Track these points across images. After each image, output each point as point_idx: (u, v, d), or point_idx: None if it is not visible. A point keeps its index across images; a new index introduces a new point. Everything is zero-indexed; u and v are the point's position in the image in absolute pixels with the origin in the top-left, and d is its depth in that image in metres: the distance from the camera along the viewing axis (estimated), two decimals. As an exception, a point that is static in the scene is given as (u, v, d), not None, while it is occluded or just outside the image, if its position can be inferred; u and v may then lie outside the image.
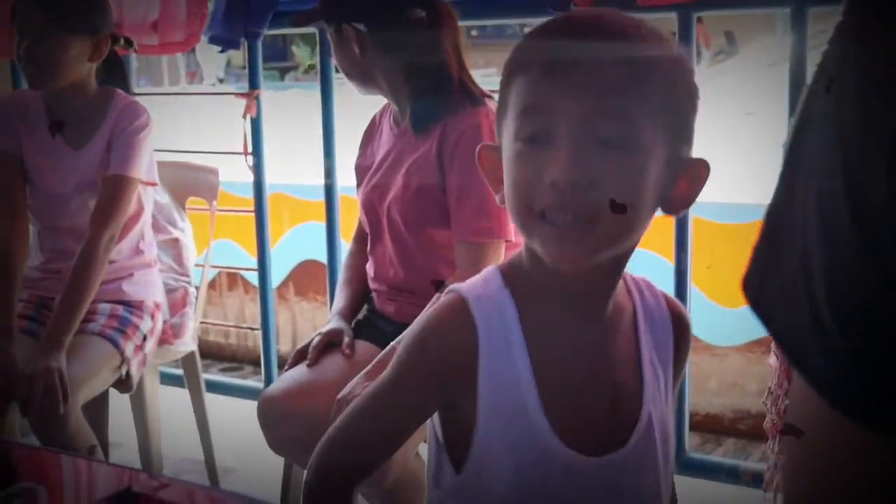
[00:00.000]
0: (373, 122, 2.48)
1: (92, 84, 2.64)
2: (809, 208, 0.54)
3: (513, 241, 2.19)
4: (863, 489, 0.53)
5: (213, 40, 3.07)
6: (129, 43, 2.74)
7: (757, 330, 3.67)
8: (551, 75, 1.04)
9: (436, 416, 1.18)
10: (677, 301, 1.26)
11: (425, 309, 1.84)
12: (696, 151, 1.13)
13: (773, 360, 2.15)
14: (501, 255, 2.17)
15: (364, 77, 2.31)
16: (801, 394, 0.55)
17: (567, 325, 1.14)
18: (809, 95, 0.59)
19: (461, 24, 2.32)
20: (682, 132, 1.10)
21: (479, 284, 1.14)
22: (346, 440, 1.18)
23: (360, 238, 2.50)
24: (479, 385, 1.09)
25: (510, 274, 1.14)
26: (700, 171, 1.11)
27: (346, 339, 2.30)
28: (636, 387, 1.17)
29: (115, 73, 2.72)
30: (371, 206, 2.36)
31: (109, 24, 2.62)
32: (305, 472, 1.21)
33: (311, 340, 2.34)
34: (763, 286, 0.57)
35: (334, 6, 2.29)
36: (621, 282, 1.17)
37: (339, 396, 2.05)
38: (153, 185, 2.72)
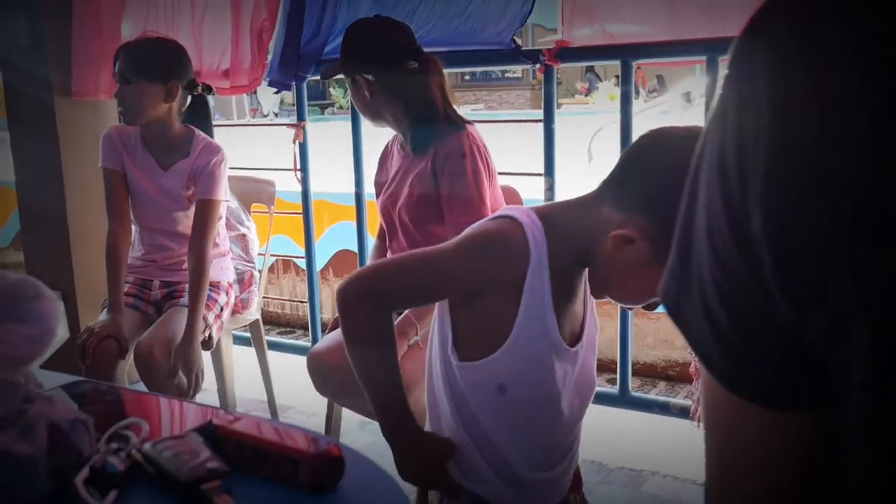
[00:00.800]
0: (386, 148, 2.49)
1: (174, 120, 2.63)
2: (701, 233, 0.51)
3: None
4: (752, 451, 0.53)
5: (271, 84, 3.09)
6: (207, 89, 2.74)
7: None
8: None
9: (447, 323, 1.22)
10: None
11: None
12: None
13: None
14: None
15: (374, 114, 2.33)
16: (707, 382, 0.54)
17: (567, 269, 1.21)
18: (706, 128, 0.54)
19: (447, 70, 2.34)
20: None
21: (527, 218, 1.18)
22: (396, 278, 1.22)
23: (381, 235, 2.51)
24: (524, 291, 1.16)
25: (546, 220, 1.19)
26: None
27: None
28: (584, 309, 1.30)
29: (199, 112, 2.72)
30: (387, 210, 2.38)
31: (181, 73, 2.60)
32: (350, 282, 1.20)
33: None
34: (679, 301, 0.54)
35: (349, 62, 2.30)
36: None
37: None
38: (226, 201, 2.74)
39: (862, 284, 0.41)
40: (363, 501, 0.93)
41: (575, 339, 1.27)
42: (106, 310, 2.55)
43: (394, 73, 2.24)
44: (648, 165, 1.12)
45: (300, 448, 0.94)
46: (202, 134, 2.66)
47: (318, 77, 2.95)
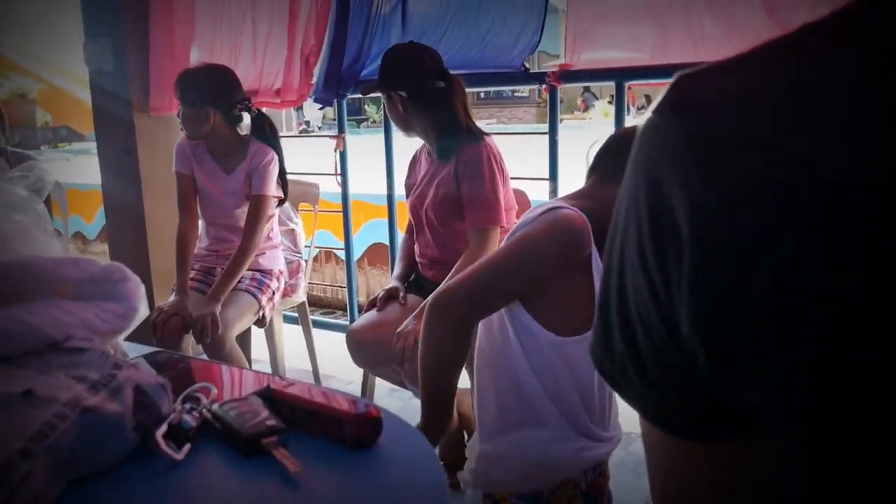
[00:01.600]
0: (415, 156, 2.50)
1: (228, 134, 2.66)
2: (628, 303, 0.45)
3: (505, 227, 2.21)
4: (684, 479, 0.48)
5: (316, 100, 3.10)
6: (248, 109, 2.73)
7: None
8: None
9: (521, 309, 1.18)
10: None
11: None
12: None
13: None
14: (497, 236, 2.20)
15: (406, 126, 2.33)
16: (644, 424, 0.49)
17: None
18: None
19: (468, 90, 2.35)
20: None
21: (577, 208, 1.17)
22: (475, 293, 1.18)
23: (410, 230, 2.51)
24: (594, 267, 1.15)
25: (581, 206, 1.18)
26: None
27: (402, 294, 2.34)
28: None
29: (262, 126, 2.74)
30: (415, 209, 2.39)
31: (219, 99, 2.60)
32: (435, 306, 1.19)
33: (378, 294, 2.37)
34: (603, 360, 0.49)
35: (386, 80, 2.31)
36: None
37: (398, 330, 2.09)
38: (279, 198, 2.75)
39: (792, 369, 0.38)
40: (398, 455, 0.94)
41: None
42: (174, 292, 2.59)
43: (424, 90, 2.25)
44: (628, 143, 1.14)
45: (344, 409, 0.95)
46: (257, 140, 2.69)
47: (358, 95, 2.97)
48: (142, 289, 1.09)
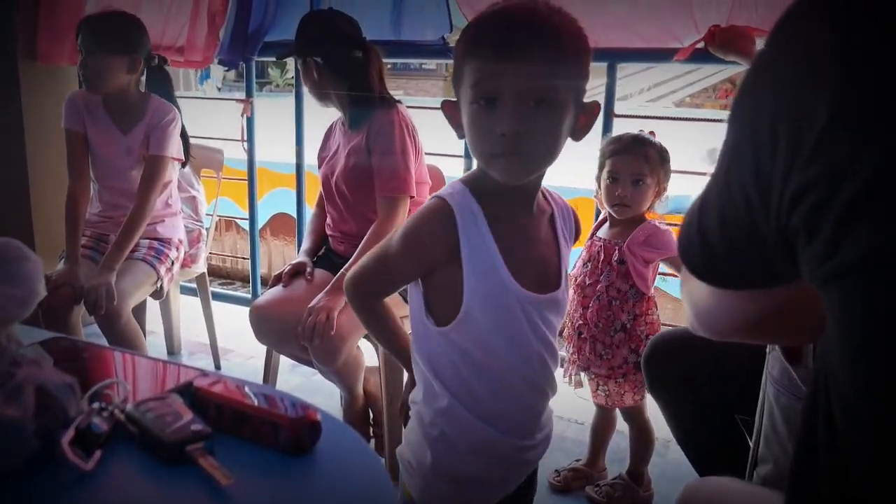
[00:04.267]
0: (330, 127, 2.38)
1: (133, 89, 2.47)
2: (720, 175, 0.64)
3: (415, 198, 2.16)
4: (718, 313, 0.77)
5: (220, 62, 2.92)
6: (163, 60, 2.57)
7: (568, 269, 3.63)
8: (496, 56, 0.98)
9: (420, 294, 1.14)
10: (572, 207, 1.25)
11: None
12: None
13: (569, 294, 2.16)
14: (407, 206, 2.14)
15: (320, 94, 2.23)
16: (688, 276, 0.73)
17: (512, 215, 1.11)
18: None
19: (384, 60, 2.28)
20: (583, 85, 1.05)
21: (452, 190, 1.10)
22: (369, 278, 1.17)
23: (320, 204, 2.41)
24: (463, 256, 1.06)
25: (470, 184, 1.10)
26: (594, 109, 1.08)
27: (308, 269, 2.24)
28: (556, 254, 1.17)
29: (160, 81, 2.55)
30: (326, 179, 2.29)
31: (142, 47, 2.43)
32: (346, 284, 1.20)
33: (284, 269, 2.26)
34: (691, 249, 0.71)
35: (303, 46, 2.21)
36: (540, 193, 1.16)
37: (309, 306, 1.99)
38: (180, 160, 2.57)
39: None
40: (338, 462, 0.85)
41: (551, 284, 1.15)
42: (63, 261, 2.38)
43: (340, 57, 2.17)
44: None
45: (280, 412, 0.85)
46: (157, 97, 2.50)
47: (265, 58, 2.82)
48: (41, 267, 0.94)
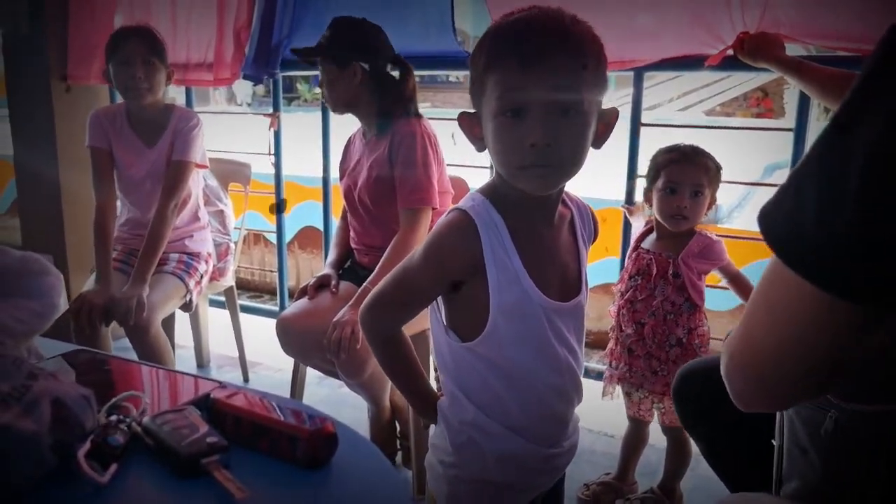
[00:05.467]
0: (349, 139, 2.38)
1: (163, 101, 2.51)
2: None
3: (438, 209, 2.13)
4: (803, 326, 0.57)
5: (245, 77, 2.94)
6: (169, 77, 2.57)
7: (598, 280, 3.60)
8: (524, 67, 0.96)
9: (438, 313, 1.13)
10: (589, 205, 1.23)
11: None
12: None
13: (612, 308, 2.11)
14: (429, 218, 2.12)
15: (349, 100, 2.19)
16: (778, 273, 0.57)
17: (534, 225, 1.09)
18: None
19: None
20: (603, 93, 1.03)
21: (473, 203, 1.07)
22: (388, 302, 1.13)
23: (344, 216, 2.40)
24: (487, 269, 1.04)
25: (490, 195, 1.08)
26: (612, 116, 1.06)
27: (333, 282, 2.23)
28: (577, 258, 1.16)
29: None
30: (349, 191, 2.27)
31: (165, 61, 2.47)
32: (363, 314, 1.16)
33: (309, 282, 2.25)
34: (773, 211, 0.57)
35: (347, 49, 2.15)
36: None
37: (334, 320, 1.98)
38: (205, 167, 2.59)
39: None
40: (355, 473, 0.84)
41: (573, 290, 1.14)
42: (94, 277, 2.40)
43: (384, 68, 2.18)
44: None
45: (297, 424, 0.84)
46: (180, 106, 2.54)
47: (298, 72, 2.82)
48: (61, 282, 0.95)
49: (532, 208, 1.08)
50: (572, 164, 1.02)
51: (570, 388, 1.16)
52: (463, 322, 1.09)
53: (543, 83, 0.96)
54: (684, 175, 1.91)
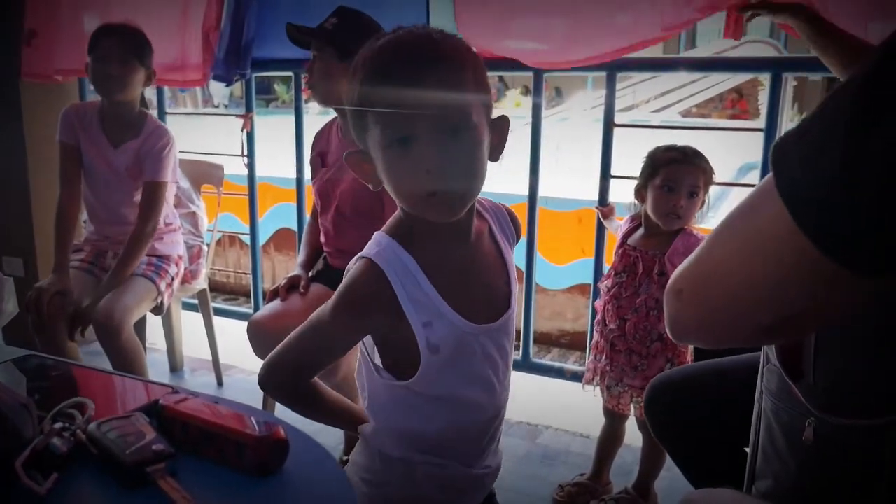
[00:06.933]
0: (321, 132, 2.31)
1: (137, 104, 2.47)
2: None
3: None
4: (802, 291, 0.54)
5: (215, 78, 2.90)
6: (149, 78, 2.53)
7: (574, 280, 3.58)
8: (402, 93, 0.90)
9: (371, 351, 1.06)
10: (505, 204, 1.16)
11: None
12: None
13: (598, 302, 2.10)
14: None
15: (343, 94, 2.13)
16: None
17: (448, 252, 1.01)
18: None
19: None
20: (489, 102, 0.98)
21: (378, 247, 0.99)
22: (294, 360, 1.06)
23: (315, 215, 2.34)
24: (406, 311, 0.97)
25: (396, 232, 1.00)
26: (504, 125, 1.00)
27: (303, 282, 2.19)
28: (503, 269, 1.09)
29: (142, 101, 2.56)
30: (325, 193, 2.21)
31: (147, 61, 2.43)
32: (264, 379, 1.07)
33: (279, 283, 2.21)
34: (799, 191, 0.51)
35: (357, 42, 2.08)
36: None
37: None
38: (175, 183, 2.56)
39: None
40: (307, 482, 0.81)
41: (501, 307, 1.08)
42: (53, 269, 2.37)
43: None
44: None
45: (245, 431, 0.81)
46: (154, 117, 2.49)
47: (266, 73, 2.79)
48: (10, 285, 0.92)
49: (443, 235, 1.01)
50: (474, 182, 0.95)
51: (499, 403, 1.12)
52: (397, 361, 1.04)
53: (426, 104, 0.90)
54: (683, 175, 1.91)
